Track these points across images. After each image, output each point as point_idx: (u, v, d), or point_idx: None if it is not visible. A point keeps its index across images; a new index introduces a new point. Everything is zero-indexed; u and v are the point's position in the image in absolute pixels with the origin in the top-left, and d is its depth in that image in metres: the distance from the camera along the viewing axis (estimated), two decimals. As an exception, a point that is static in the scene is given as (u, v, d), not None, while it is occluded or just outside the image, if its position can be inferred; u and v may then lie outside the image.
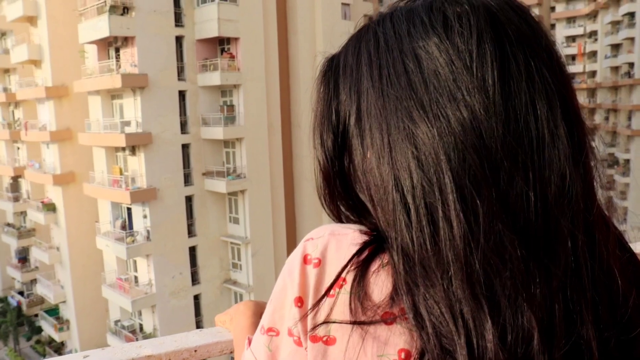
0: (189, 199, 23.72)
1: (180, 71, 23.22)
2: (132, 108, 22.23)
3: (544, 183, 0.54)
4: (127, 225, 23.12)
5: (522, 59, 0.56)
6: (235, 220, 24.79)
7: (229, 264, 25.24)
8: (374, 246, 0.60)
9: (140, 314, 23.53)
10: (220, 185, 23.48)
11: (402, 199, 0.57)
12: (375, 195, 0.61)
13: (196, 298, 24.09)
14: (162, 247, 22.43)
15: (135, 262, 23.44)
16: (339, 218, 0.72)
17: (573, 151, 0.56)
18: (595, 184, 0.59)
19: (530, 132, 0.55)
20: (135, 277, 23.48)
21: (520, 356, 0.51)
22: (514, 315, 0.52)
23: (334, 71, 0.69)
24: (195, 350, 1.09)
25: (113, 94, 23.08)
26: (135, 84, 21.52)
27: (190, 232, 23.84)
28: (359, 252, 0.60)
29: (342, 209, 0.71)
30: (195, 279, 24.06)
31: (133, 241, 22.31)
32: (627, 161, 45.89)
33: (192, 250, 23.95)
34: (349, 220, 0.71)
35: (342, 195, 0.70)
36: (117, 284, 23.11)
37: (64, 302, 27.97)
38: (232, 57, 23.57)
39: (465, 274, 0.52)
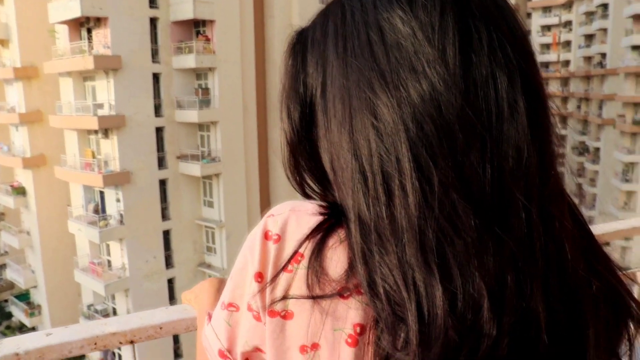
0: (162, 183, 23.46)
1: (155, 53, 22.82)
2: (104, 90, 21.81)
3: (500, 156, 0.55)
4: (100, 209, 22.82)
5: (484, 33, 0.57)
6: (210, 204, 24.65)
7: (203, 248, 25.13)
8: (332, 221, 0.61)
9: (113, 298, 23.33)
10: (194, 169, 23.28)
11: (360, 168, 0.57)
12: (336, 165, 0.62)
13: (170, 281, 23.95)
14: (136, 231, 22.22)
15: (108, 246, 23.18)
16: (303, 191, 0.72)
17: (531, 126, 0.56)
18: (553, 159, 0.61)
19: (489, 105, 0.55)
20: (109, 261, 23.24)
21: (469, 323, 0.52)
22: (464, 283, 0.52)
23: (302, 44, 0.69)
24: (161, 327, 1.09)
25: (85, 76, 22.61)
26: (108, 65, 21.09)
27: (164, 216, 23.63)
28: (317, 228, 0.61)
29: (308, 181, 0.72)
30: (169, 263, 23.90)
31: (106, 225, 22.04)
32: (597, 149, 46.76)
33: (166, 234, 23.76)
34: (313, 194, 0.71)
35: (307, 167, 0.71)
36: (89, 268, 22.84)
37: (35, 287, 27.55)
38: (208, 39, 23.24)
39: (418, 242, 0.53)
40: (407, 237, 0.54)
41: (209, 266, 24.75)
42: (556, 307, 0.57)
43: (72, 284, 24.95)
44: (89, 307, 23.81)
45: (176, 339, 22.82)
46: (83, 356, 23.89)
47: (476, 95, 0.55)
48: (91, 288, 23.02)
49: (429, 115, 0.55)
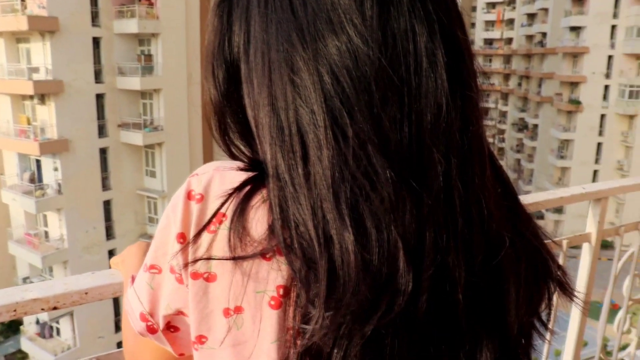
0: (103, 151, 22.79)
1: (95, 16, 21.88)
2: (40, 53, 20.82)
3: (419, 110, 0.55)
4: (37, 178, 21.97)
5: None
6: (152, 174, 24.17)
7: (145, 218, 24.70)
8: (256, 180, 0.60)
9: (51, 270, 22.67)
10: (136, 138, 22.69)
11: (277, 121, 0.57)
12: (257, 121, 0.61)
13: (111, 253, 23.45)
14: (75, 201, 21.57)
15: (45, 216, 22.42)
16: (230, 152, 0.71)
17: (451, 81, 0.56)
18: (474, 114, 0.59)
19: (408, 59, 0.55)
20: (46, 232, 22.50)
21: (384, 278, 0.52)
22: (379, 237, 0.52)
23: (228, 1, 0.67)
24: (86, 293, 1.06)
25: (19, 37, 21.47)
26: (44, 27, 20.10)
27: (105, 186, 23.01)
28: (239, 187, 0.59)
29: (235, 142, 0.70)
30: (109, 234, 23.40)
31: (43, 195, 21.28)
32: (536, 126, 48.51)
33: (107, 204, 23.18)
34: (241, 155, 0.70)
35: (235, 128, 0.69)
36: (25, 239, 22.06)
37: (-34, 258, 26.49)
38: (151, 4, 22.50)
39: (332, 195, 0.53)
40: (321, 190, 0.53)
41: (151, 237, 24.14)
42: (476, 264, 0.57)
43: (6, 257, 24.05)
44: (24, 280, 23.07)
45: (117, 311, 22.53)
46: (18, 330, 23.26)
47: (394, 48, 0.55)
48: (27, 260, 22.27)
49: (346, 68, 0.54)
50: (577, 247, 1.89)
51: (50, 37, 20.39)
